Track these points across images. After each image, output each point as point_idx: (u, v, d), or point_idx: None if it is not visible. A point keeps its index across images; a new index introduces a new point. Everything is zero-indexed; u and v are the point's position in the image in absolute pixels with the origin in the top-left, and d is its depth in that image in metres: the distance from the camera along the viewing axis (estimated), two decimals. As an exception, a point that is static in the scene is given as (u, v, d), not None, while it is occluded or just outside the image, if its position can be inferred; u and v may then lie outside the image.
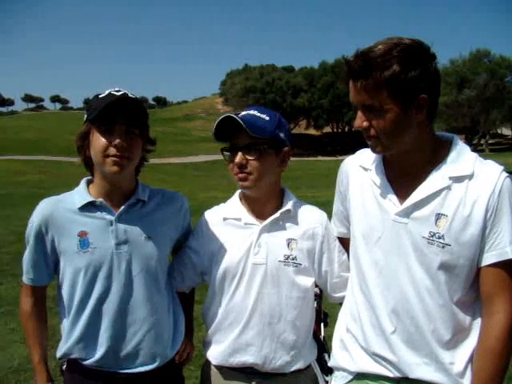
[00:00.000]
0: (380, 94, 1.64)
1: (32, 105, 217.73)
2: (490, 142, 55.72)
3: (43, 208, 2.00)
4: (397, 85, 1.61)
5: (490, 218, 1.68)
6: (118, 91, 1.94)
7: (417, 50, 1.65)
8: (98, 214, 2.00)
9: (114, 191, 2.03)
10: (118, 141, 1.88)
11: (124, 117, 1.90)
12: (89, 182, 2.09)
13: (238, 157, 2.03)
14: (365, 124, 1.72)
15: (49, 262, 2.02)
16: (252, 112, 2.07)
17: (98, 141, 1.91)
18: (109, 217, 2.00)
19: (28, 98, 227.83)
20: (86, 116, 1.96)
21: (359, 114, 1.73)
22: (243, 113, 2.07)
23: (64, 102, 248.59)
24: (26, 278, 2.07)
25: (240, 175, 2.05)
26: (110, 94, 1.93)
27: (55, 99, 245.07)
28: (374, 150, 1.82)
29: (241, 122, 1.95)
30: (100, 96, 1.94)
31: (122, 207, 2.01)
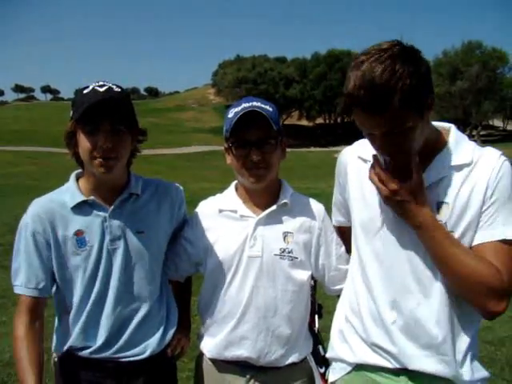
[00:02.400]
0: (403, 116, 1.55)
1: (22, 95, 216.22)
2: (481, 133, 55.93)
3: (36, 209, 1.96)
4: (412, 98, 1.53)
5: (488, 200, 1.67)
6: (101, 86, 1.85)
7: (417, 57, 1.59)
8: (92, 211, 1.97)
9: (104, 187, 1.99)
10: (102, 142, 1.83)
11: (109, 115, 1.83)
12: (78, 177, 2.05)
13: (255, 153, 1.97)
14: (392, 149, 1.64)
15: (47, 267, 1.96)
16: (257, 104, 1.98)
17: (84, 142, 1.86)
18: (102, 213, 1.97)
19: (18, 89, 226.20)
20: (71, 113, 1.90)
21: (380, 141, 1.63)
22: (248, 104, 1.98)
23: (55, 92, 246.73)
24: (25, 290, 1.93)
25: (255, 171, 2.00)
26: (93, 90, 1.84)
27: (46, 89, 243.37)
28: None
29: (267, 115, 1.92)
30: (84, 92, 1.86)
31: (115, 203, 1.98)
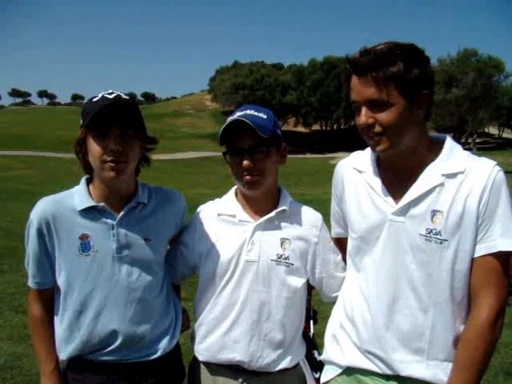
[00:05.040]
0: (388, 87, 1.66)
1: (19, 100, 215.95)
2: (477, 141, 56.08)
3: (43, 208, 1.97)
4: (403, 80, 1.65)
5: (482, 210, 1.70)
6: (110, 94, 1.91)
7: (416, 50, 1.72)
8: (100, 217, 1.98)
9: (113, 194, 2.02)
10: (112, 146, 1.87)
11: (118, 120, 1.88)
12: (88, 182, 2.06)
13: (247, 160, 2.00)
14: (370, 120, 1.71)
15: (52, 263, 1.99)
16: (250, 112, 2.03)
17: (94, 147, 1.89)
18: (110, 221, 1.99)
19: (15, 93, 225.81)
20: (81, 121, 1.93)
21: (364, 111, 1.72)
22: (241, 113, 2.03)
23: (51, 97, 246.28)
24: (32, 283, 2.04)
25: (248, 177, 2.02)
26: (102, 97, 1.90)
27: (43, 94, 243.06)
28: (376, 148, 1.78)
29: (251, 124, 1.94)
30: (93, 100, 1.91)
31: (123, 211, 2.01)
